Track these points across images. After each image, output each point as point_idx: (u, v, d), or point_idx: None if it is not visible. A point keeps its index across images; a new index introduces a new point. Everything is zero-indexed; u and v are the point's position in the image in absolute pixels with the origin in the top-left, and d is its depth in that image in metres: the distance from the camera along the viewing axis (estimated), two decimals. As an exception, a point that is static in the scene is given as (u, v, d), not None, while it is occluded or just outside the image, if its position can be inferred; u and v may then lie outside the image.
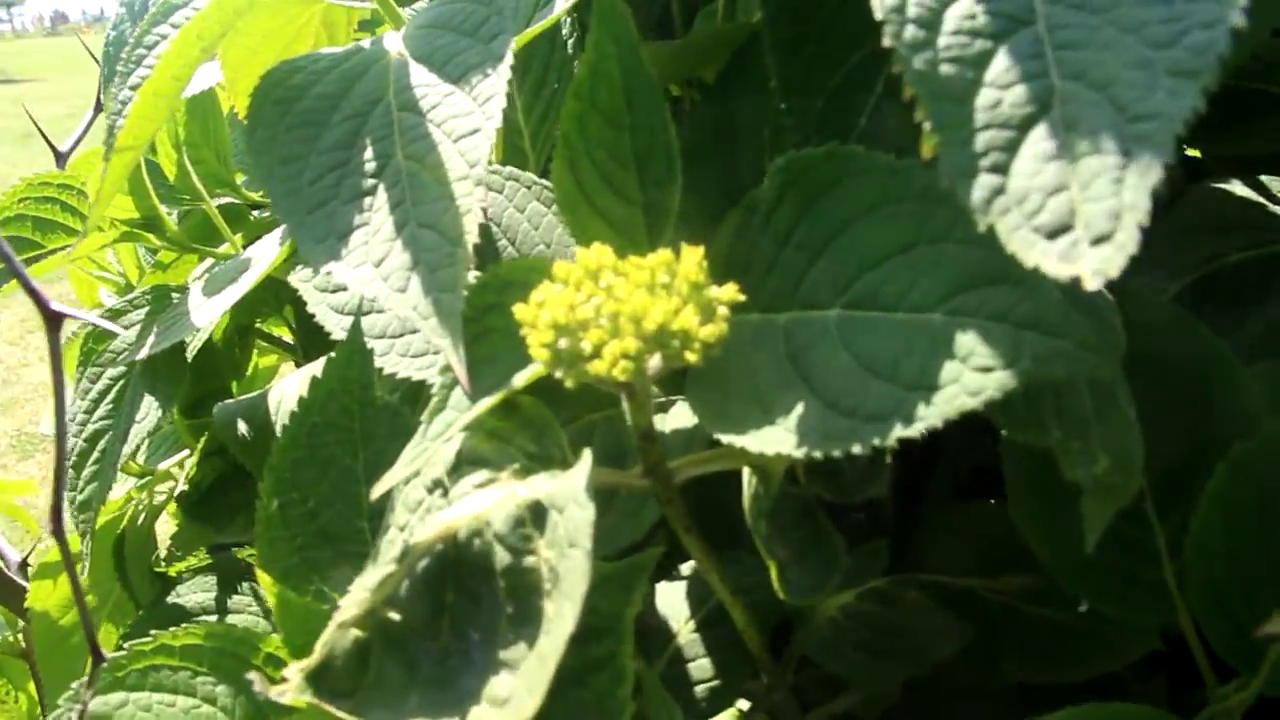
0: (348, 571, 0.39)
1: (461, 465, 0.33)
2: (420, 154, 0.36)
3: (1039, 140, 0.24)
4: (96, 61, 0.64)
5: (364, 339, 0.40)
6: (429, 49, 0.40)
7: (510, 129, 0.58)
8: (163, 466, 0.77)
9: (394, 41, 0.41)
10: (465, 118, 0.37)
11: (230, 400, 0.63)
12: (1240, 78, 0.50)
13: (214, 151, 0.80)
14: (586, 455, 0.29)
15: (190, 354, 0.58)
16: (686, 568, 0.50)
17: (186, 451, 0.76)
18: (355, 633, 0.30)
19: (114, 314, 0.61)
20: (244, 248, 0.65)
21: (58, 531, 0.34)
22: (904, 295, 0.30)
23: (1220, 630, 0.36)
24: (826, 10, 0.38)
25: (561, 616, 0.27)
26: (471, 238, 0.34)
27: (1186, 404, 0.38)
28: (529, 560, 0.29)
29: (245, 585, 0.60)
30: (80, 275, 0.93)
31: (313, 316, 0.48)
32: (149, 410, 0.57)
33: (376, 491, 0.32)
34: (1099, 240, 0.23)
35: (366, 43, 0.43)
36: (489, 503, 0.30)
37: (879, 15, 0.26)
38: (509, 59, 0.37)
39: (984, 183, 0.24)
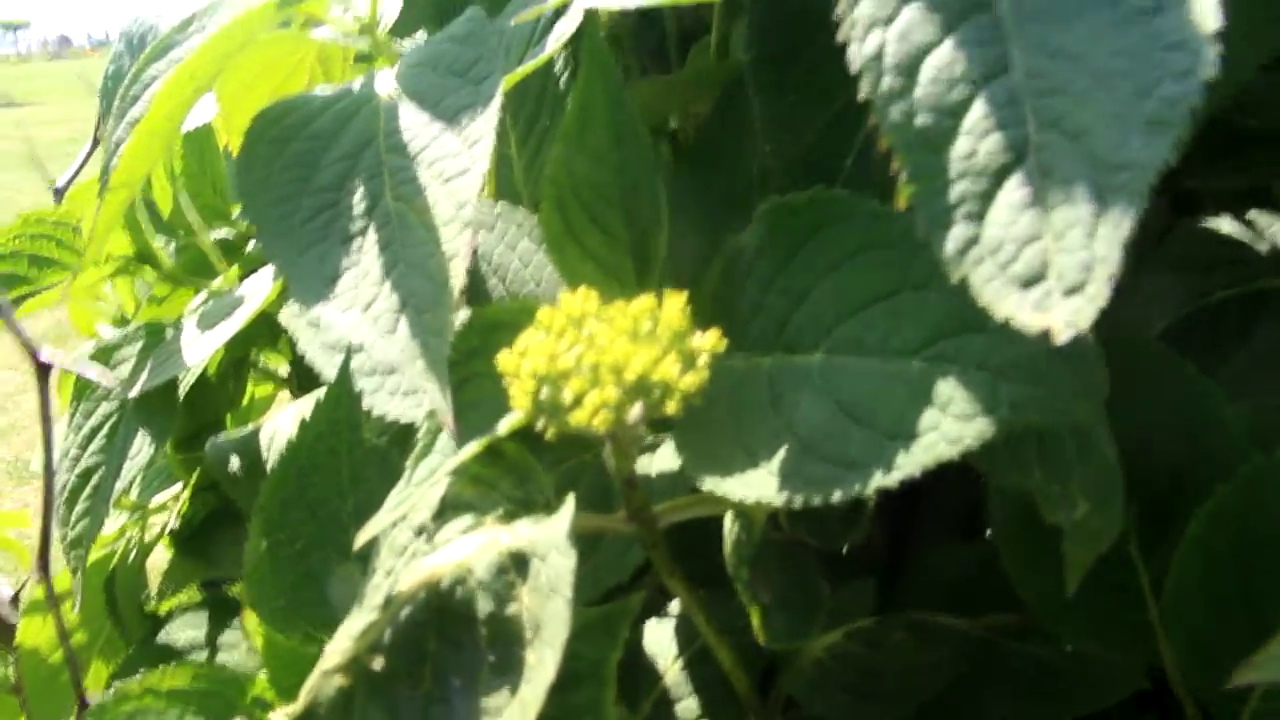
0: (335, 613, 0.39)
1: (446, 510, 0.33)
2: (409, 196, 0.37)
3: (1014, 189, 0.25)
4: (98, 88, 0.65)
5: (352, 381, 0.40)
6: (420, 88, 0.40)
7: (503, 164, 0.59)
8: (155, 501, 0.77)
9: (386, 80, 0.42)
10: (454, 159, 0.37)
11: (223, 436, 0.63)
12: (1232, 111, 0.50)
13: (211, 184, 0.80)
14: (569, 502, 0.29)
15: (183, 390, 0.58)
16: (675, 605, 0.50)
17: (180, 485, 0.76)
18: (340, 679, 0.30)
19: (106, 352, 0.61)
20: (240, 280, 0.65)
21: (44, 574, 0.34)
22: (885, 341, 0.30)
23: (1201, 676, 0.36)
24: (809, 57, 0.38)
25: (543, 664, 0.27)
26: (458, 281, 0.34)
27: (1171, 443, 0.38)
28: (511, 608, 0.29)
29: (236, 621, 0.60)
30: (78, 306, 0.93)
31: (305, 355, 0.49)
32: (142, 446, 0.57)
33: (362, 538, 0.32)
34: (1071, 291, 0.23)
35: (359, 82, 0.43)
36: (472, 549, 0.31)
37: (855, 68, 0.27)
38: (498, 101, 0.37)
39: (958, 234, 0.25)
